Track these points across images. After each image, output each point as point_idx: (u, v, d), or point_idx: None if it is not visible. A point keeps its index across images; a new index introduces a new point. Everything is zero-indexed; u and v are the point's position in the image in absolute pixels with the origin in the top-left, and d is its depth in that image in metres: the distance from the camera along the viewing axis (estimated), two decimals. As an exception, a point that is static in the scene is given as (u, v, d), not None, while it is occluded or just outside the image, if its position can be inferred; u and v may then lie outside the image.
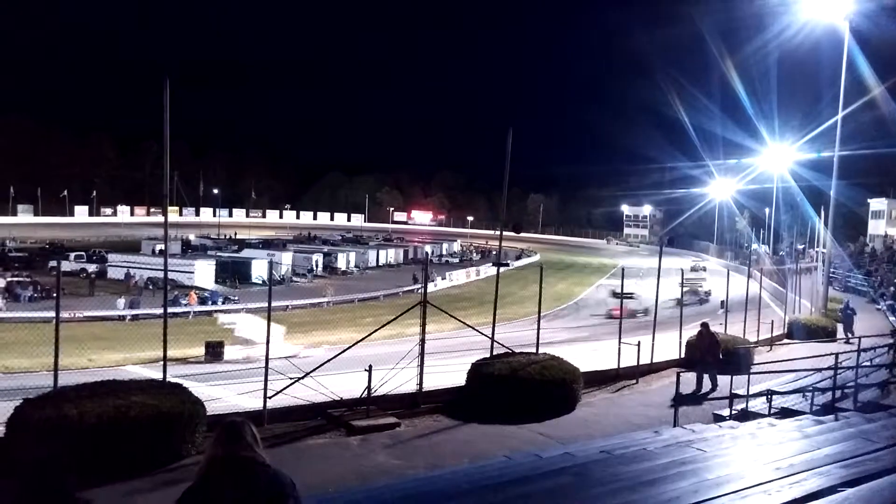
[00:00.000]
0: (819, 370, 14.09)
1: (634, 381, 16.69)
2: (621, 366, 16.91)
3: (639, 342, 17.00)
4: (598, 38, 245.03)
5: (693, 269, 60.55)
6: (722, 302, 29.39)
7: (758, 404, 12.54)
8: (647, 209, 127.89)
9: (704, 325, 16.46)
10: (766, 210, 60.23)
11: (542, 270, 17.29)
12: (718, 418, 12.00)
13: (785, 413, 11.66)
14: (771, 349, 22.27)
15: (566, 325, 38.56)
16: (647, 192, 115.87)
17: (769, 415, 11.67)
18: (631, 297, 36.42)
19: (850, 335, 22.69)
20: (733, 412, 12.27)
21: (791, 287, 30.65)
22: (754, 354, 19.32)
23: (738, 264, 56.28)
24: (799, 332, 24.53)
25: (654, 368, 17.66)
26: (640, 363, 17.12)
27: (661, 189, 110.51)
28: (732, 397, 12.55)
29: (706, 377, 15.49)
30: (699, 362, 15.89)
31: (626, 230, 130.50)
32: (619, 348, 16.95)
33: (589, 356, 19.23)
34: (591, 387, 15.36)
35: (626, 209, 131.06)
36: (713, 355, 15.80)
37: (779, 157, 49.61)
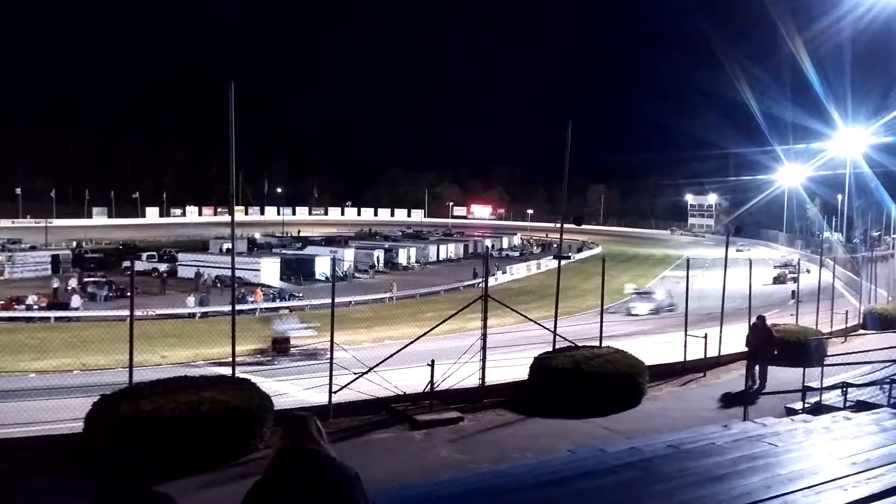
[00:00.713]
0: (897, 361, 13.53)
1: (702, 375, 16.34)
2: (688, 359, 16.57)
3: (706, 334, 16.64)
4: (660, 22, 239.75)
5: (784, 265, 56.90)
6: (792, 292, 28.49)
7: (832, 397, 12.11)
8: (712, 198, 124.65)
9: (760, 319, 15.77)
10: (839, 196, 57.99)
11: (604, 262, 17.14)
12: (791, 412, 11.62)
13: (861, 406, 11.22)
14: (845, 340, 21.47)
15: (629, 317, 37.98)
16: (711, 179, 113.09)
17: (844, 408, 11.25)
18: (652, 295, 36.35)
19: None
20: (806, 405, 11.88)
21: (866, 276, 29.46)
22: (828, 346, 18.67)
23: (810, 253, 54.35)
24: (875, 322, 23.59)
25: (721, 361, 17.26)
26: (708, 356, 16.75)
27: (726, 177, 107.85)
28: (805, 390, 12.14)
29: (758, 373, 14.96)
30: (753, 357, 15.22)
31: (691, 220, 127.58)
32: (686, 341, 16.61)
33: (654, 349, 18.94)
34: (658, 380, 15.09)
35: (690, 198, 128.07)
36: (769, 351, 15.12)
37: (852, 141, 47.64)
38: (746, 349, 15.63)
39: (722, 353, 17.33)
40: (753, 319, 16.19)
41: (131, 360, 10.21)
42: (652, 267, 67.93)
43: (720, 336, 17.27)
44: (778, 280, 48.81)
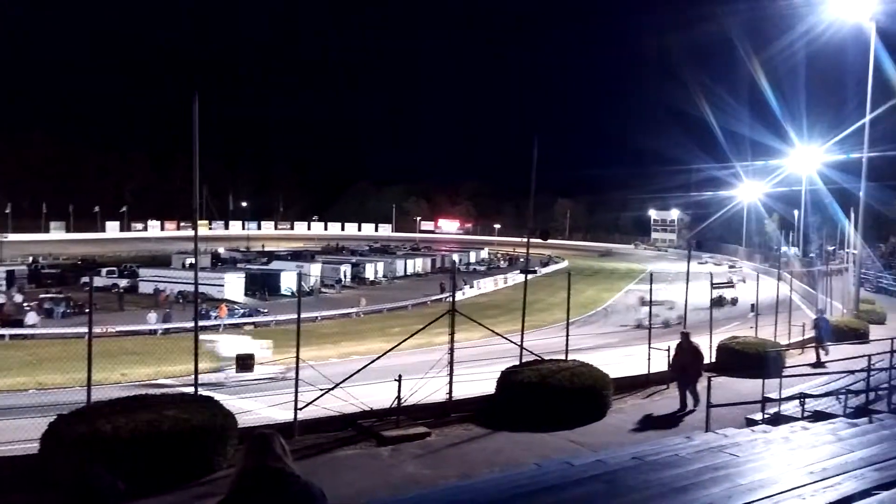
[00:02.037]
0: (852, 372, 13.87)
1: (665, 387, 16.52)
2: (652, 371, 16.76)
3: (668, 347, 16.85)
4: (624, 42, 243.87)
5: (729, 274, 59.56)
6: (752, 305, 29.02)
7: (790, 408, 12.37)
8: (674, 213, 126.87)
9: (685, 336, 14.94)
10: (795, 212, 59.36)
11: (569, 277, 17.30)
12: (751, 422, 11.84)
13: (818, 416, 11.48)
14: (802, 352, 21.92)
15: (595, 331, 38.30)
16: (674, 195, 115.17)
17: (802, 418, 11.50)
18: (662, 305, 35.80)
19: (823, 355, 20.06)
20: (766, 416, 12.10)
21: (822, 289, 30.18)
22: (786, 357, 19.05)
23: (768, 267, 55.46)
24: (831, 334, 24.09)
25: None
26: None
27: (688, 192, 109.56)
28: (765, 401, 12.38)
29: (689, 394, 14.33)
30: (681, 378, 14.60)
31: (654, 234, 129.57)
32: (650, 354, 16.81)
33: (619, 362, 19.12)
34: (622, 393, 15.22)
35: (653, 213, 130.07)
36: (696, 370, 14.48)
37: (807, 159, 48.94)
38: (673, 369, 15.10)
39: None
40: (729, 330, 16.32)
41: (90, 378, 9.99)
42: (617, 281, 68.64)
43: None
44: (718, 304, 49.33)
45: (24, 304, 39.25)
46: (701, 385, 13.90)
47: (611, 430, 12.62)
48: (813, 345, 20.88)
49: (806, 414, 11.81)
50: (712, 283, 23.75)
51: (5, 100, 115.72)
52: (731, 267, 62.96)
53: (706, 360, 18.45)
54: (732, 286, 43.51)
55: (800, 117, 57.23)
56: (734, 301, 44.60)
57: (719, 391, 14.28)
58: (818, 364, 18.94)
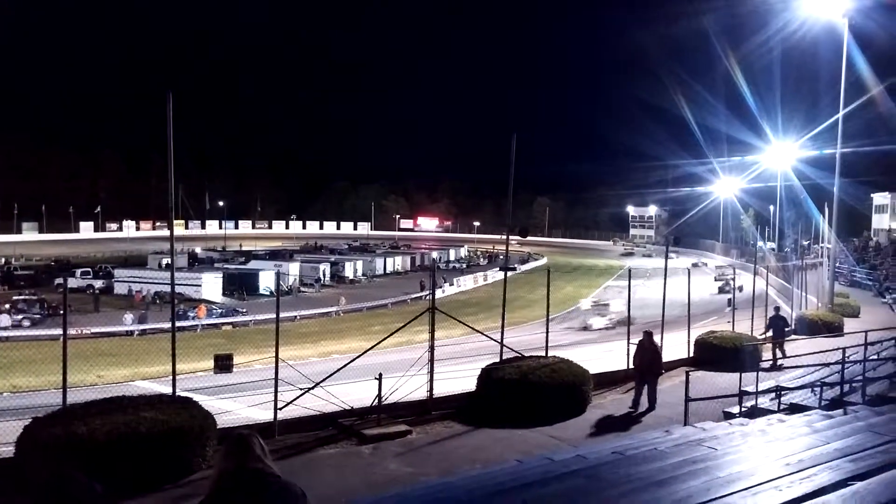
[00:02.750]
0: (827, 365, 14.08)
1: (644, 382, 16.63)
2: (632, 367, 16.87)
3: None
4: (601, 38, 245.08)
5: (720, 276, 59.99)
6: (729, 300, 29.36)
7: (766, 401, 12.54)
8: (652, 209, 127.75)
9: (647, 335, 14.53)
10: (771, 207, 60.14)
11: (549, 274, 17.32)
12: (728, 416, 11.97)
13: (794, 409, 11.64)
14: (778, 346, 22.17)
15: (575, 327, 38.51)
16: (651, 191, 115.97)
17: (778, 411, 11.66)
18: (606, 307, 36.52)
19: (779, 355, 18.83)
20: (743, 409, 12.25)
21: (797, 283, 30.58)
22: (762, 351, 19.27)
23: (745, 262, 56.08)
24: (805, 327, 24.42)
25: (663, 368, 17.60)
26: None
27: (665, 188, 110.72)
28: (742, 394, 12.53)
29: (645, 394, 14.08)
30: (640, 377, 14.30)
31: (632, 231, 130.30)
32: (629, 349, 16.92)
33: (598, 358, 19.25)
34: (602, 388, 15.34)
35: (631, 210, 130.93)
36: (657, 369, 14.26)
37: (782, 155, 49.59)
38: (634, 368, 14.74)
39: (664, 361, 17.68)
40: (708, 325, 16.37)
41: (65, 380, 9.86)
42: (596, 277, 69.13)
43: (661, 343, 17.64)
44: (723, 291, 50.16)
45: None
46: (661, 385, 14.16)
47: (591, 425, 12.69)
48: (793, 337, 21.01)
49: (782, 406, 11.98)
50: (715, 278, 23.89)
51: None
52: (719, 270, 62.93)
53: (685, 355, 18.71)
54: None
55: (775, 113, 58.06)
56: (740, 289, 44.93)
57: (697, 385, 14.42)
58: (774, 367, 17.53)
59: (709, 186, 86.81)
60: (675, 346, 19.12)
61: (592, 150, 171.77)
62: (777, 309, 21.45)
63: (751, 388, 12.64)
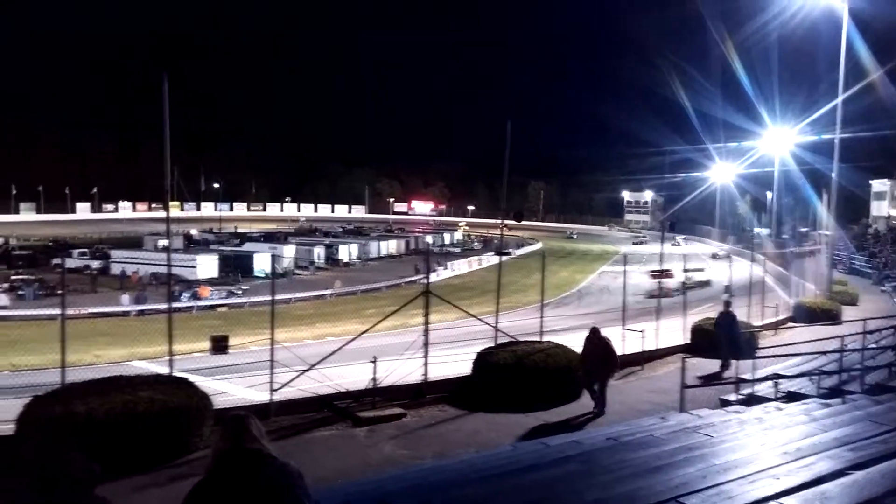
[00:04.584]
0: (825, 353, 14.09)
1: (640, 368, 16.70)
2: (626, 352, 16.91)
3: (643, 329, 17.00)
4: (597, 21, 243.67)
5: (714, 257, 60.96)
6: (726, 287, 29.37)
7: (764, 388, 12.54)
8: (648, 195, 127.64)
9: (594, 331, 13.14)
10: (768, 193, 60.14)
11: (543, 258, 17.35)
12: (725, 403, 11.99)
13: (792, 397, 11.65)
14: (776, 333, 22.26)
15: (569, 312, 38.53)
16: (647, 176, 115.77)
17: (776, 399, 11.67)
18: (670, 275, 35.77)
19: (727, 360, 15.75)
20: (739, 396, 12.27)
21: (795, 270, 30.61)
22: (759, 339, 19.32)
23: (741, 248, 56.26)
24: (803, 315, 24.46)
25: (658, 354, 17.68)
26: (645, 349, 17.13)
27: (661, 173, 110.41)
28: (738, 382, 12.54)
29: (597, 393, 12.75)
30: (588, 375, 12.93)
31: (627, 216, 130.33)
32: (623, 334, 16.95)
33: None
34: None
35: (626, 195, 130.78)
36: (608, 367, 12.82)
37: (779, 140, 49.49)
38: (584, 366, 13.06)
39: (659, 347, 17.76)
40: (706, 311, 15.72)
41: (63, 359, 9.86)
42: (590, 262, 69.11)
43: (657, 330, 17.70)
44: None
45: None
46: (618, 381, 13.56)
47: (586, 411, 12.71)
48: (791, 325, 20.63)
49: (779, 394, 11.98)
50: (737, 265, 23.82)
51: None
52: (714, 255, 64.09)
53: (683, 342, 18.70)
54: (702, 270, 43.88)
55: (772, 98, 57.74)
56: (706, 283, 45.04)
57: (693, 372, 14.46)
58: (717, 377, 14.95)
59: (705, 172, 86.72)
60: (671, 332, 19.15)
61: (587, 134, 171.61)
62: (727, 304, 18.04)
63: (748, 376, 12.66)
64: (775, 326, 23.16)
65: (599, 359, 12.73)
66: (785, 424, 7.90)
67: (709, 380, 14.54)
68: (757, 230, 58.78)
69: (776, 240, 48.76)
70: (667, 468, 5.78)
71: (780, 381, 12.38)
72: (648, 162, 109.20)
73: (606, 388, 12.82)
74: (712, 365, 15.92)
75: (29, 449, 8.07)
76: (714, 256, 61.72)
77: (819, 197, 42.37)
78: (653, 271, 26.65)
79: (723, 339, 16.63)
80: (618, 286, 29.07)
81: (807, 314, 24.14)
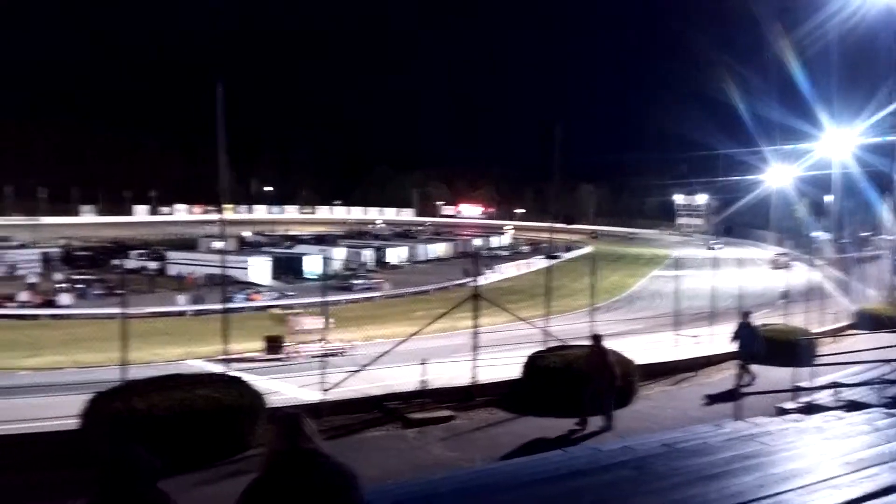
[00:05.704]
0: (888, 361, 13.61)
1: (693, 374, 16.40)
2: (679, 358, 16.63)
3: (696, 335, 16.71)
4: (648, 23, 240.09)
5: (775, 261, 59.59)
6: (783, 292, 28.64)
7: (823, 397, 12.17)
8: (701, 198, 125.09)
9: (595, 339, 12.42)
10: (826, 197, 58.41)
11: (594, 262, 17.19)
12: (782, 411, 11.68)
13: (852, 406, 11.27)
14: (835, 340, 21.58)
15: (620, 317, 38.07)
16: (700, 180, 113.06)
17: (836, 408, 11.31)
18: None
19: (747, 375, 15.31)
20: (797, 405, 11.94)
21: (856, 276, 29.66)
22: (818, 346, 18.77)
23: (799, 253, 54.81)
24: (866, 322, 23.65)
25: (713, 361, 17.33)
26: (699, 355, 16.82)
27: (715, 177, 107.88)
28: (796, 390, 12.22)
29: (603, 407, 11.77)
30: (589, 387, 11.77)
31: (679, 220, 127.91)
32: (677, 340, 16.69)
33: (645, 349, 18.99)
34: (649, 379, 15.12)
35: (678, 198, 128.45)
36: (606, 380, 11.74)
37: (839, 142, 47.99)
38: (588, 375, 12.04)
39: (713, 353, 17.41)
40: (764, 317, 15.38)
41: (124, 357, 10.17)
42: (642, 266, 68.11)
43: (711, 335, 17.36)
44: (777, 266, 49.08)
45: (58, 286, 40.11)
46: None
47: (638, 416, 12.55)
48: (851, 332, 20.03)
49: (840, 403, 11.60)
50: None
51: (34, 85, 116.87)
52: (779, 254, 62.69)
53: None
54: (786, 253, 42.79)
55: (831, 98, 55.91)
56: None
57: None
58: (737, 391, 12.07)
59: (760, 175, 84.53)
60: (726, 338, 18.76)
61: (639, 137, 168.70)
62: (746, 314, 16.34)
63: (806, 384, 12.32)
64: (834, 333, 22.47)
65: (597, 370, 11.86)
66: (846, 434, 7.66)
67: (760, 389, 14.15)
68: (815, 234, 57.04)
69: (836, 244, 47.34)
70: (722, 476, 5.67)
71: (841, 389, 12.00)
72: (701, 165, 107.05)
73: (611, 401, 11.84)
74: (769, 372, 15.53)
75: (94, 443, 8.37)
76: (774, 262, 60.06)
77: (883, 200, 40.98)
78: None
79: (742, 349, 15.63)
80: (671, 290, 28.57)
81: (870, 321, 23.35)
